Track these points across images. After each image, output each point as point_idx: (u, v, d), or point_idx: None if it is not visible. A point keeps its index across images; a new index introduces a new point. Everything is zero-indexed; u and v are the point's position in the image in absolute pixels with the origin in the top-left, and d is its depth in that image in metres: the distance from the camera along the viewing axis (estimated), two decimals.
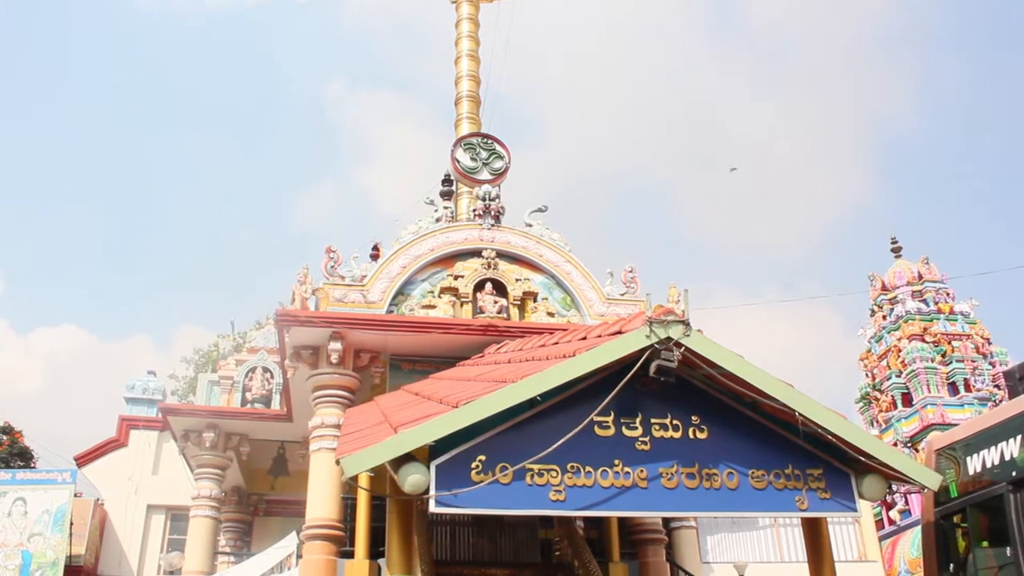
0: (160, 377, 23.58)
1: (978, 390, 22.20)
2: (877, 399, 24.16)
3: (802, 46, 74.82)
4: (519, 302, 12.31)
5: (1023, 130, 66.59)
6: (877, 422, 23.76)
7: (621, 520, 11.62)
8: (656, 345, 6.48)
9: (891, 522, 21.51)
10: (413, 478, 6.02)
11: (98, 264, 69.47)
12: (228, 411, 15.29)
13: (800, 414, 6.74)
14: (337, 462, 6.28)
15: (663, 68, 74.84)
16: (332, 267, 11.77)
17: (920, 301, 24.26)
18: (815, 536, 7.50)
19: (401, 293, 12.02)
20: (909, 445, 21.61)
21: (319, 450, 11.04)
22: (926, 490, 7.72)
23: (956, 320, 23.65)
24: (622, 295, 12.63)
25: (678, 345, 6.51)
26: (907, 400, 22.93)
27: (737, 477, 6.83)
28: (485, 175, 13.32)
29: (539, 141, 70.53)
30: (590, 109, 71.85)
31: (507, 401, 6.25)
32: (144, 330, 67.64)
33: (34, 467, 20.60)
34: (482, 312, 11.97)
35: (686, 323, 6.58)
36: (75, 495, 17.53)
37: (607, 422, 6.66)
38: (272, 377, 15.99)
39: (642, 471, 6.61)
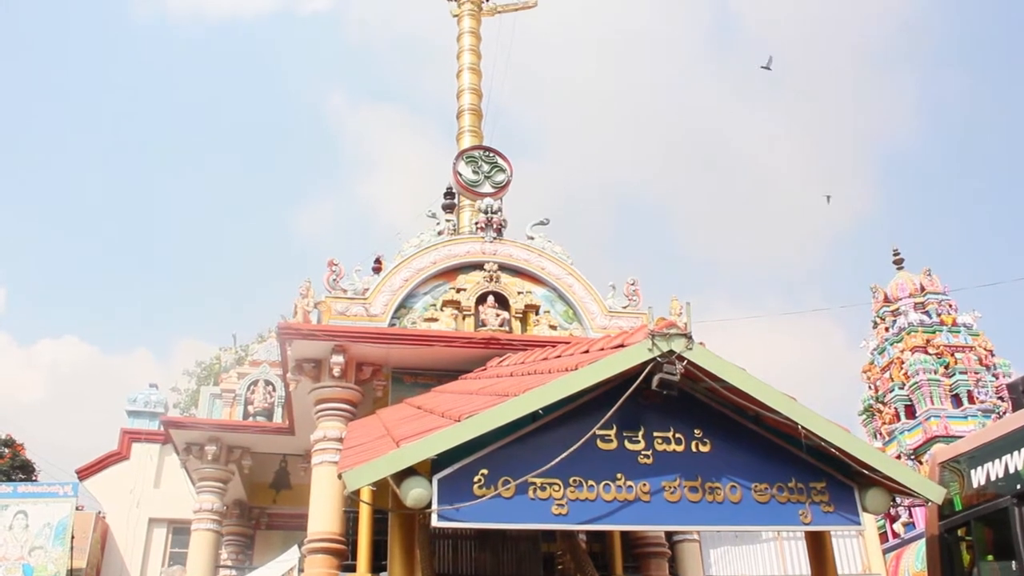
0: (162, 390, 23.62)
1: (981, 402, 22.13)
2: (880, 411, 24.09)
3: (802, 60, 74.99)
4: (521, 315, 12.31)
5: (1023, 140, 66.66)
6: (880, 434, 23.69)
7: (624, 534, 11.58)
8: (658, 358, 6.48)
9: (895, 535, 21.40)
10: (415, 492, 6.01)
11: (100, 276, 69.60)
12: (230, 424, 15.28)
13: (803, 427, 6.73)
14: (339, 476, 6.27)
15: (664, 81, 75.07)
16: (334, 280, 11.78)
17: (923, 313, 24.21)
18: (819, 549, 7.47)
19: (403, 306, 12.02)
20: (912, 457, 21.53)
21: (321, 463, 11.02)
22: (930, 503, 7.69)
23: (959, 332, 23.59)
24: (624, 308, 12.63)
25: (680, 358, 6.51)
26: (910, 412, 22.86)
27: (740, 491, 6.81)
28: (487, 188, 13.34)
29: (541, 154, 70.70)
30: (591, 122, 72.05)
31: (509, 415, 6.25)
32: (146, 342, 67.76)
33: (35, 480, 20.59)
34: (484, 325, 11.97)
35: (688, 336, 6.58)
36: (76, 508, 17.51)
37: (609, 436, 6.65)
38: (274, 390, 15.98)
39: (645, 485, 6.59)
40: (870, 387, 24.86)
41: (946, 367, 22.83)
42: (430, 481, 6.11)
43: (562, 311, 12.56)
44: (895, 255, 26.04)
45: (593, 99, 71.62)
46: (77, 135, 70.33)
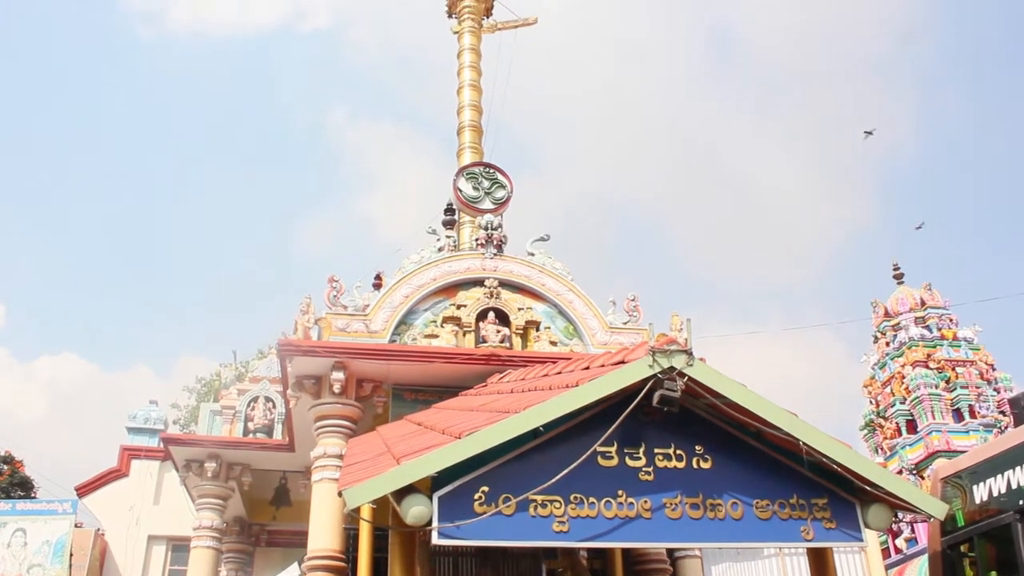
0: (162, 406, 23.57)
1: (983, 416, 22.09)
2: (881, 426, 24.04)
3: (800, 74, 75.31)
4: (522, 331, 12.30)
5: (1023, 153, 66.82)
6: (882, 449, 23.63)
7: (625, 550, 11.52)
8: (659, 375, 6.47)
9: (897, 551, 21.33)
10: (416, 510, 6.00)
11: (100, 292, 69.60)
12: (230, 441, 15.24)
13: (804, 443, 6.71)
14: (339, 493, 6.26)
15: (663, 97, 75.33)
16: (334, 296, 11.78)
17: (923, 327, 24.20)
18: (821, 566, 7.44)
19: (404, 322, 12.02)
20: (914, 472, 21.47)
21: (321, 480, 10.99)
22: (932, 519, 7.67)
23: (960, 346, 23.58)
24: (625, 324, 12.62)
25: (681, 375, 6.51)
26: (911, 427, 22.81)
27: (741, 507, 6.79)
28: (487, 204, 13.35)
29: (541, 170, 70.86)
30: (591, 138, 72.27)
31: (510, 432, 6.24)
32: (145, 359, 67.69)
33: (35, 497, 20.54)
34: (485, 341, 11.96)
35: (689, 352, 6.57)
36: (75, 525, 17.47)
37: (610, 452, 6.64)
38: (274, 407, 15.95)
39: (646, 502, 6.58)
40: (871, 402, 24.83)
41: (947, 381, 22.80)
42: (430, 498, 6.09)
43: (563, 327, 12.55)
44: (895, 269, 26.06)
45: (593, 115, 71.89)
46: (78, 151, 70.55)
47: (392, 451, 6.93)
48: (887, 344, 24.77)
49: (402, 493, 6.01)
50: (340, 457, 10.69)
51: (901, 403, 23.11)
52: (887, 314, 25.28)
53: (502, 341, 11.98)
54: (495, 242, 12.81)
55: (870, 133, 26.13)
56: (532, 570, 11.57)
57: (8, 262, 63.65)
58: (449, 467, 6.08)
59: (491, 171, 13.73)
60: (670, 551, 12.70)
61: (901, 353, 23.92)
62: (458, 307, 12.29)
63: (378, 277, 13.73)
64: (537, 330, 12.43)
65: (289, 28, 74.99)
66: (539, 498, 6.33)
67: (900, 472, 21.10)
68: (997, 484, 7.95)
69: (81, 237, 70.44)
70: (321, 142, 76.31)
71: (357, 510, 6.11)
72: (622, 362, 6.87)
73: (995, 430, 21.40)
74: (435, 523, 6.05)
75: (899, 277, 25.91)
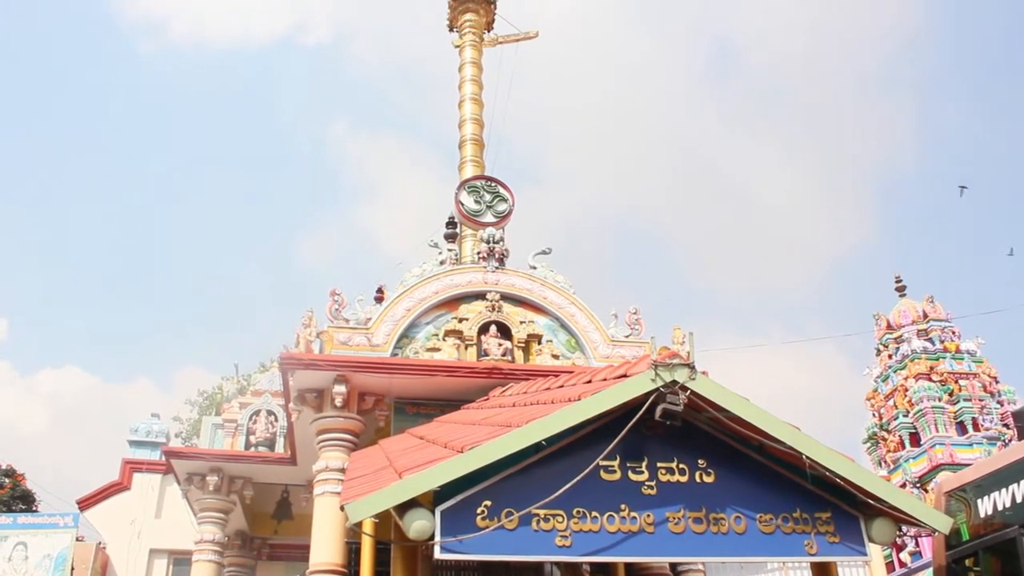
0: (164, 419, 23.54)
1: (987, 429, 22.01)
2: (884, 439, 23.96)
3: (800, 86, 75.49)
4: (523, 344, 12.29)
5: None
6: (885, 462, 23.55)
7: (628, 565, 11.48)
8: (661, 389, 6.47)
9: (901, 564, 21.23)
10: (418, 524, 5.99)
11: (101, 305, 69.65)
12: (232, 454, 15.23)
13: (808, 457, 6.70)
14: (342, 507, 6.25)
15: (664, 110, 75.52)
16: (336, 310, 11.78)
17: (926, 340, 24.16)
18: None
19: (405, 336, 12.01)
20: (918, 485, 21.39)
21: (323, 494, 10.97)
22: (937, 533, 7.64)
23: (963, 359, 23.53)
24: (627, 337, 12.61)
25: (683, 388, 6.50)
26: (915, 440, 22.74)
27: (745, 521, 6.78)
28: (489, 218, 13.37)
29: (543, 183, 70.96)
30: (593, 151, 72.41)
31: (512, 446, 6.23)
32: (147, 372, 67.63)
33: (36, 511, 20.48)
34: (486, 355, 11.95)
35: (691, 366, 6.57)
36: (77, 539, 17.40)
37: (613, 466, 6.62)
38: (276, 420, 15.93)
39: (649, 516, 6.56)
40: (874, 415, 24.76)
41: (950, 394, 22.74)
42: (433, 513, 6.08)
43: (564, 340, 12.55)
44: (897, 282, 26.03)
45: (594, 128, 72.06)
46: (78, 164, 70.75)
47: (394, 465, 6.92)
48: (889, 357, 24.72)
49: (404, 507, 6.00)
50: (342, 471, 10.68)
51: (904, 416, 23.05)
52: (889, 326, 25.25)
53: (504, 354, 11.97)
54: (497, 255, 12.82)
55: (964, 188, 26.42)
56: None
57: (10, 276, 63.78)
58: (451, 481, 6.07)
59: (493, 184, 13.76)
60: (673, 566, 12.65)
61: (904, 366, 23.87)
62: (460, 320, 12.29)
63: (380, 290, 13.75)
64: (539, 343, 12.42)
65: (290, 41, 75.37)
66: (542, 512, 6.31)
67: (903, 485, 21.02)
68: (1002, 498, 7.93)
69: (82, 250, 70.60)
70: (322, 155, 76.54)
71: (359, 524, 6.10)
72: (624, 376, 6.87)
73: (999, 443, 21.33)
74: (437, 537, 6.03)
75: (901, 289, 25.88)
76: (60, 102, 69.70)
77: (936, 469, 20.86)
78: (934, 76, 73.01)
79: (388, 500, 5.94)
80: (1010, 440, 21.12)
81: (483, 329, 12.24)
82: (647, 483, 6.67)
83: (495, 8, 18.31)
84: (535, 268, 12.97)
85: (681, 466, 6.81)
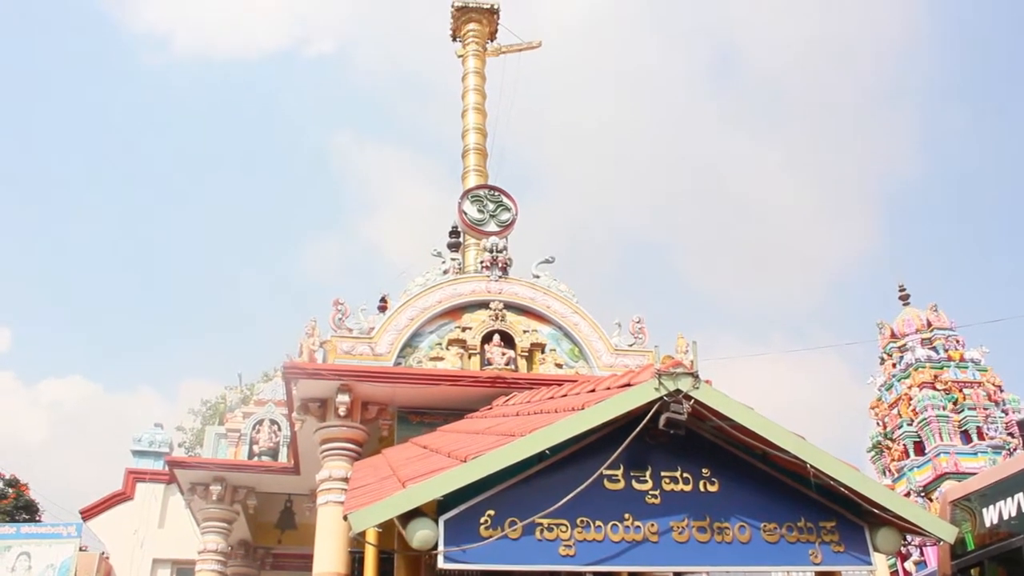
0: (167, 429, 23.52)
1: (991, 438, 21.96)
2: (889, 448, 23.91)
3: (804, 95, 75.55)
4: (527, 353, 12.28)
5: None
6: (889, 471, 23.49)
7: (632, 574, 11.43)
8: (665, 398, 6.46)
9: (906, 574, 21.16)
10: (421, 534, 5.98)
11: (104, 315, 69.72)
12: (235, 464, 15.22)
13: (812, 466, 6.68)
14: (345, 517, 6.24)
15: (667, 118, 75.61)
16: (340, 319, 11.79)
17: (930, 349, 24.13)
18: None
19: (409, 345, 12.01)
20: (922, 494, 21.34)
21: (327, 503, 10.96)
22: (942, 542, 7.62)
23: (967, 367, 23.48)
24: (630, 346, 12.59)
25: (687, 397, 6.49)
26: (919, 449, 22.69)
27: (749, 530, 6.76)
28: (492, 227, 13.36)
29: (546, 192, 71.05)
30: (596, 160, 72.48)
31: (516, 455, 6.22)
32: (150, 382, 67.79)
33: (39, 520, 20.49)
34: (490, 364, 11.94)
35: (695, 375, 6.56)
36: (80, 549, 17.43)
37: (616, 476, 6.61)
38: (279, 430, 15.94)
39: (652, 525, 6.55)
40: (878, 423, 24.71)
41: (955, 403, 22.69)
42: (436, 522, 6.07)
43: (568, 349, 12.54)
44: (901, 291, 26.01)
45: (597, 137, 72.15)
46: (82, 175, 70.93)
47: (398, 474, 6.91)
48: (893, 365, 24.68)
49: (408, 517, 5.99)
50: (345, 480, 10.66)
51: (908, 425, 23.00)
52: (893, 335, 25.22)
53: (507, 364, 11.96)
54: (500, 264, 12.82)
55: None
56: None
57: (13, 286, 63.88)
58: (455, 491, 6.06)
59: (496, 193, 13.76)
60: (677, 575, 12.61)
61: (908, 374, 23.83)
62: (463, 329, 12.29)
63: (383, 300, 13.76)
64: (542, 352, 12.41)
65: (294, 53, 75.65)
66: (545, 521, 6.30)
67: (908, 494, 20.96)
68: (1007, 507, 7.90)
69: (86, 260, 70.72)
70: (326, 165, 76.68)
71: (362, 534, 6.10)
72: (628, 385, 6.86)
73: (1003, 452, 21.29)
74: (441, 547, 6.02)
75: (905, 298, 25.86)
76: (65, 114, 69.99)
77: (940, 478, 20.81)
78: (938, 84, 73.06)
79: (391, 510, 5.93)
80: (1015, 449, 21.08)
81: (487, 338, 12.24)
82: (651, 492, 6.65)
83: (498, 18, 18.36)
84: (538, 277, 12.96)
85: (685, 475, 6.79)
